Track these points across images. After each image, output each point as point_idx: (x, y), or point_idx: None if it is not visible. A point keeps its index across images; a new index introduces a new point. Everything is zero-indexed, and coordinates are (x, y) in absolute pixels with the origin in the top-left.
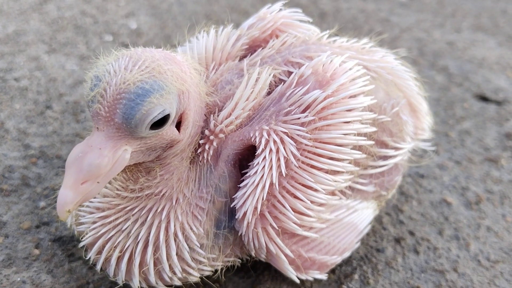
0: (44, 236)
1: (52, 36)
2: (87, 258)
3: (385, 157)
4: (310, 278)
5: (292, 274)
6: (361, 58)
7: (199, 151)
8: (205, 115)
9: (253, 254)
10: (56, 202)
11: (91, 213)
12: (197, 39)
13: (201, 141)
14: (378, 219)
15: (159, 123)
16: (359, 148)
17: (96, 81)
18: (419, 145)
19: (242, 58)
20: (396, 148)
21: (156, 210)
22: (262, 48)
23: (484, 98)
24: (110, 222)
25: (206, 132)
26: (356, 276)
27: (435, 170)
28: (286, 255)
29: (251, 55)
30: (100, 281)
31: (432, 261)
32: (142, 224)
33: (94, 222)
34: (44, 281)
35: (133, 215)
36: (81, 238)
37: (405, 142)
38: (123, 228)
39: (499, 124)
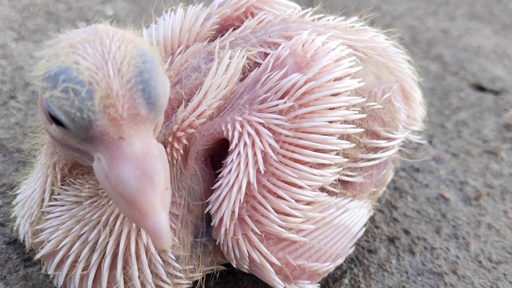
0: None
1: (21, 23)
2: (44, 272)
3: (377, 149)
4: None
5: (280, 285)
6: (347, 38)
7: (167, 150)
8: (167, 110)
9: (234, 265)
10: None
11: (52, 222)
12: (163, 20)
13: (169, 139)
14: (370, 217)
15: None
16: (347, 138)
17: (83, 87)
18: (410, 137)
19: (212, 40)
20: (389, 139)
21: (124, 217)
22: (235, 28)
23: (481, 88)
24: (72, 232)
25: (174, 127)
26: (346, 280)
27: (431, 163)
28: (272, 264)
29: (221, 36)
30: None
31: (430, 263)
32: (109, 234)
33: (53, 232)
34: None
35: (98, 223)
36: (40, 249)
37: (398, 132)
38: (89, 239)
39: (498, 115)
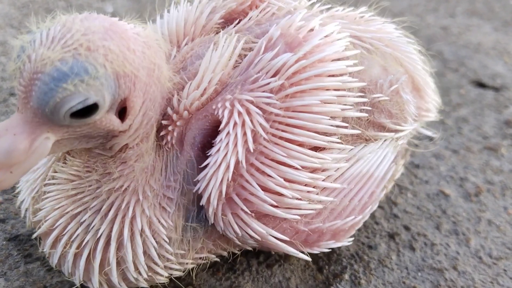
0: None
1: (21, 21)
2: (41, 250)
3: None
4: (326, 250)
5: (295, 253)
6: (354, 28)
7: (162, 133)
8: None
9: (237, 242)
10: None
11: (49, 202)
12: (168, 13)
13: (164, 122)
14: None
15: (85, 112)
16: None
17: (20, 52)
18: (421, 130)
19: (217, 33)
20: (396, 131)
21: (119, 205)
22: (239, 21)
23: (481, 84)
24: (66, 212)
25: (169, 111)
26: (346, 276)
27: (431, 160)
28: (276, 238)
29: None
30: (58, 285)
31: (430, 259)
32: (103, 218)
33: (50, 211)
34: None
35: (91, 207)
36: (37, 228)
37: (407, 124)
38: (82, 220)
39: (498, 111)
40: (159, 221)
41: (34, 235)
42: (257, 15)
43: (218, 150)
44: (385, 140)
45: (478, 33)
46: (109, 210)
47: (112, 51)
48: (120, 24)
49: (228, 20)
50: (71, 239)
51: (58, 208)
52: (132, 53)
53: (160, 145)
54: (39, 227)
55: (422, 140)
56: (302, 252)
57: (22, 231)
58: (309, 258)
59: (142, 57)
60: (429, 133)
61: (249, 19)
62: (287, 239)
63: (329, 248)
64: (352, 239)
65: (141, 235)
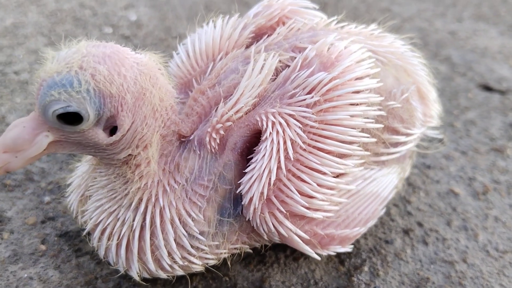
0: (50, 231)
1: (51, 29)
2: (91, 245)
3: (397, 144)
4: (332, 253)
5: (310, 252)
6: (370, 43)
7: (207, 139)
8: (205, 107)
9: (265, 237)
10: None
11: (92, 203)
12: (204, 30)
13: (208, 129)
14: (385, 211)
15: (72, 120)
16: (369, 133)
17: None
18: (427, 133)
19: (248, 46)
20: (408, 134)
21: (148, 198)
22: (269, 35)
23: (488, 88)
24: (105, 210)
25: (213, 120)
26: (365, 268)
27: (442, 161)
28: (299, 237)
29: (257, 42)
30: (108, 276)
31: (441, 252)
32: (135, 211)
33: (93, 211)
34: (51, 277)
35: (123, 205)
36: (85, 226)
37: (415, 128)
38: (118, 216)
39: (504, 114)
40: (189, 214)
41: (84, 232)
42: (285, 31)
43: (264, 156)
44: (394, 167)
45: (484, 37)
46: (140, 204)
47: (100, 73)
48: (123, 53)
49: (258, 35)
50: (112, 233)
51: (99, 207)
52: (121, 78)
53: (196, 147)
54: (87, 225)
55: (433, 142)
56: (316, 253)
57: (71, 228)
58: (318, 258)
59: (133, 83)
60: (434, 134)
61: (278, 34)
62: (308, 238)
63: (334, 252)
64: (352, 246)
65: (171, 224)
